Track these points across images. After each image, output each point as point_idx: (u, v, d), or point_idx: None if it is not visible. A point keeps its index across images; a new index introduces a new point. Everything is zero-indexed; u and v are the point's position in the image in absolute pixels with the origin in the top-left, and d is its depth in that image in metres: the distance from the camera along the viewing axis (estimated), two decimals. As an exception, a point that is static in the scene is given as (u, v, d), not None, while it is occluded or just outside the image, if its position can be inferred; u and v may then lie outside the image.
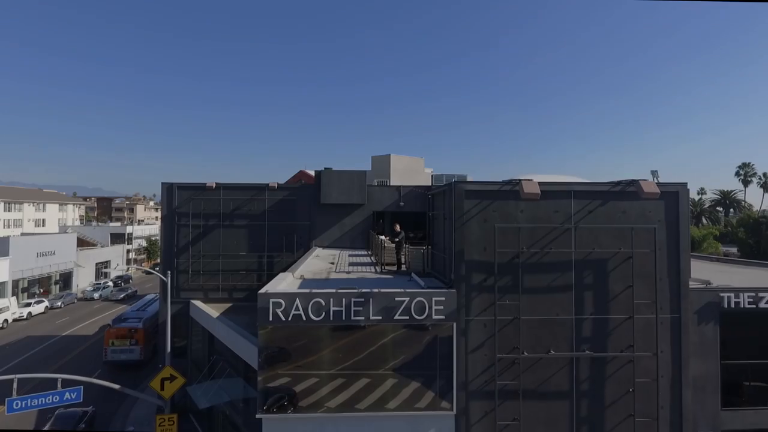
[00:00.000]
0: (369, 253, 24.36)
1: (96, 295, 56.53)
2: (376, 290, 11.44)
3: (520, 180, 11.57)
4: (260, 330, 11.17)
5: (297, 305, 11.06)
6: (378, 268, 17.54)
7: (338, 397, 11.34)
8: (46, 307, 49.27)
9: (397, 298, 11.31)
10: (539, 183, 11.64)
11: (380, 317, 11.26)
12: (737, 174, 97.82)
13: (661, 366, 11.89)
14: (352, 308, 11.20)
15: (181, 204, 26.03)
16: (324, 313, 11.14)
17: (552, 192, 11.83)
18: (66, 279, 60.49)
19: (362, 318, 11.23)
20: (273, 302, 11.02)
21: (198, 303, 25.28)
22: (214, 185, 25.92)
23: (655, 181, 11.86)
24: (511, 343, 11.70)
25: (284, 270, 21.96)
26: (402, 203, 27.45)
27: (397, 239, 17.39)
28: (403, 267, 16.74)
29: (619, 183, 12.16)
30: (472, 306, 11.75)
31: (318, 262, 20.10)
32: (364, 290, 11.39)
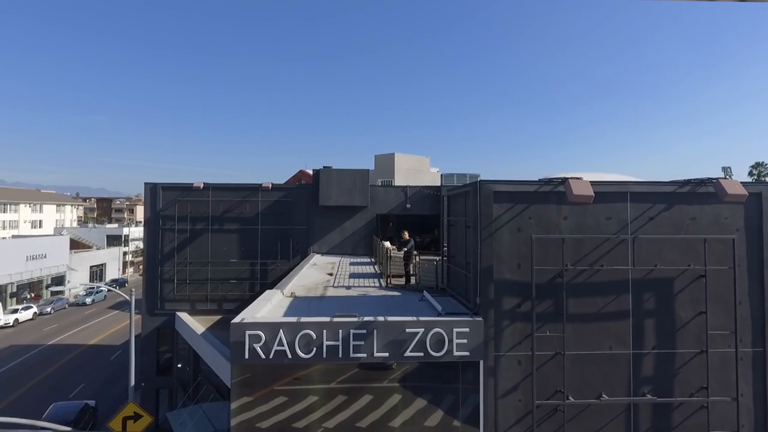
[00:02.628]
0: (372, 260, 21.96)
1: (88, 300, 54.36)
2: (381, 318, 9.00)
3: (566, 178, 9.10)
4: (234, 371, 8.74)
5: (281, 338, 8.64)
6: (383, 282, 15.13)
7: (334, 452, 8.91)
8: (35, 313, 47.05)
9: (408, 329, 8.86)
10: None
11: (387, 354, 8.82)
12: (750, 173, 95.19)
13: (742, 413, 9.39)
14: (351, 342, 8.76)
15: (166, 206, 23.69)
16: (315, 349, 8.70)
17: (602, 194, 9.35)
18: (59, 283, 58.30)
19: (364, 355, 8.79)
20: (250, 335, 8.60)
21: (183, 315, 22.92)
22: (201, 185, 23.57)
23: (729, 178, 9.37)
24: (552, 386, 9.23)
25: (279, 279, 19.64)
26: (409, 205, 25.02)
27: (405, 248, 14.98)
28: (413, 280, 14.33)
29: (687, 182, 9.68)
30: (504, 338, 9.29)
31: (314, 273, 17.69)
32: (366, 319, 8.95)
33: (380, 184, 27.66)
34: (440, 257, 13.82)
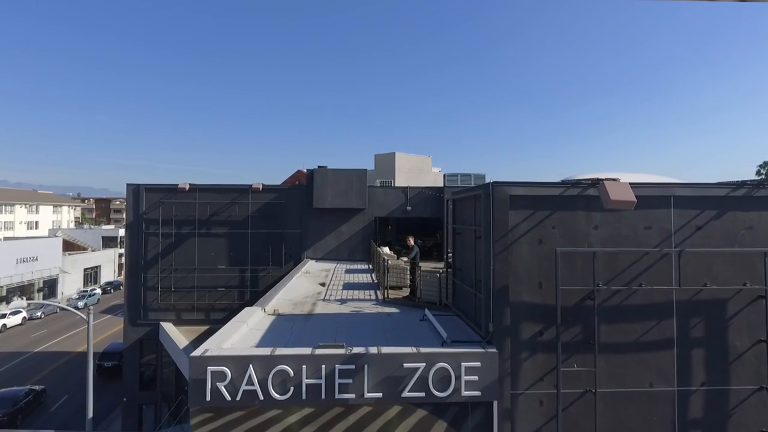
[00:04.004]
0: (370, 267, 20.39)
1: (81, 304, 52.85)
2: (374, 350, 7.41)
3: (599, 179, 7.49)
4: (192, 418, 7.14)
5: (251, 376, 7.05)
6: (380, 294, 13.55)
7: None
8: (24, 318, 45.61)
9: (406, 364, 7.27)
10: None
11: (380, 394, 7.22)
12: (758, 173, 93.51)
13: (811, 463, 7.78)
14: (337, 380, 7.17)
15: (150, 209, 22.15)
16: (292, 389, 7.11)
17: (640, 198, 7.71)
18: (51, 286, 56.96)
19: (352, 395, 7.20)
20: (212, 372, 7.02)
21: (168, 326, 21.37)
22: (187, 186, 22.03)
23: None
24: (581, 430, 7.63)
25: (270, 286, 18.09)
26: (409, 207, 23.42)
27: (410, 257, 13.46)
28: (418, 291, 12.74)
29: (743, 184, 8.06)
30: (522, 373, 7.69)
31: (305, 283, 16.11)
32: (355, 350, 7.36)
33: (379, 185, 26.06)
34: (443, 268, 12.24)
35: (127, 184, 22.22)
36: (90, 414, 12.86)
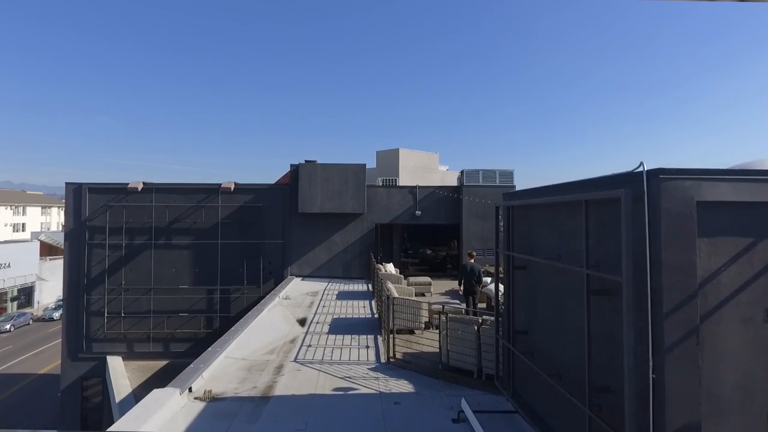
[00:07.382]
0: (370, 288, 15.94)
1: (56, 315, 48.53)
2: None
3: None
4: None
5: None
6: (383, 345, 9.05)
7: None
8: (-9, 332, 41.35)
9: None
10: None
11: None
12: None
13: None
14: None
15: (95, 214, 17.70)
16: None
17: None
18: (27, 295, 52.64)
19: None
20: None
21: (115, 362, 16.94)
22: (140, 186, 17.56)
23: None
24: None
25: (246, 310, 13.66)
26: (419, 212, 18.89)
27: (471, 293, 9.40)
28: (443, 354, 8.25)
29: None
30: None
31: (278, 319, 11.60)
32: None
33: (381, 184, 21.53)
34: (488, 316, 7.71)
35: (66, 183, 17.81)
36: None
